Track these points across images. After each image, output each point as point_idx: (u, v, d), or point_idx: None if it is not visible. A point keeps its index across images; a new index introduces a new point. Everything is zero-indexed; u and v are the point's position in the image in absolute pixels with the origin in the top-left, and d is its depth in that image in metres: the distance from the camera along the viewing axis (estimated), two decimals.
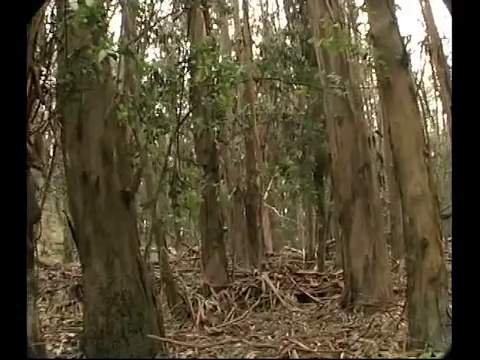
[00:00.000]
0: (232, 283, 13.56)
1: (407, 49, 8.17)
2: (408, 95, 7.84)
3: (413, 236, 7.64)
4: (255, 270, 14.47)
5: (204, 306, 11.96)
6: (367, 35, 8.10)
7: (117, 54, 6.71)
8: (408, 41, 8.26)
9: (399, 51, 7.76)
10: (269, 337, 9.97)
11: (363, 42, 8.52)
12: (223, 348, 8.92)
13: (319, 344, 8.79)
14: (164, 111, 9.88)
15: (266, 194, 21.73)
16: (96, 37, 6.77)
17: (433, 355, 7.05)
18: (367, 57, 7.76)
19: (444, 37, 24.19)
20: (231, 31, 20.78)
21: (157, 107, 9.42)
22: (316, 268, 17.10)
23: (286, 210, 30.72)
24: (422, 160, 7.71)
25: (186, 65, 9.20)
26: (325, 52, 11.42)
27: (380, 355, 7.91)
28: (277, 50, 14.25)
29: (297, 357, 7.80)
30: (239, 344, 9.04)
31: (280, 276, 14.31)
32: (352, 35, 10.56)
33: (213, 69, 8.74)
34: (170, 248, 23.66)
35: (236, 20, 19.52)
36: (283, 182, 19.10)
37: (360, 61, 11.76)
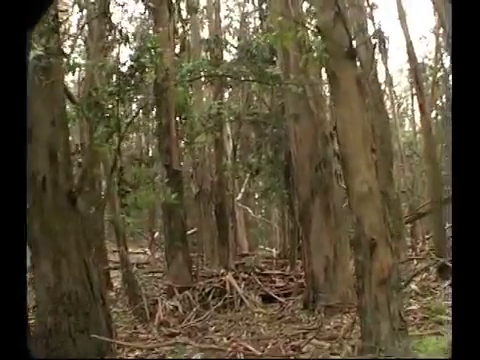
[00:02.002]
0: (196, 284, 13.37)
1: (354, 42, 7.92)
2: (354, 88, 7.50)
3: (360, 236, 7.35)
4: (222, 270, 14.25)
5: (165, 307, 11.80)
6: (315, 28, 7.83)
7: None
8: (356, 33, 8.02)
9: (345, 43, 7.51)
10: (224, 339, 9.81)
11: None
12: (173, 349, 8.82)
13: (270, 346, 8.65)
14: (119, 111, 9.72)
15: (241, 194, 21.65)
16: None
17: None
18: (312, 50, 7.52)
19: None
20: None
21: (107, 107, 9.29)
22: (289, 268, 16.97)
23: (263, 210, 30.61)
24: (369, 156, 7.41)
25: (134, 64, 9.00)
26: (285, 50, 11.20)
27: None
28: (243, 49, 14.11)
29: None
30: (189, 345, 8.87)
31: (246, 276, 14.07)
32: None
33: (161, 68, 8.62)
34: (146, 249, 23.61)
35: (210, 20, 19.35)
36: (253, 182, 18.95)
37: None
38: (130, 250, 23.68)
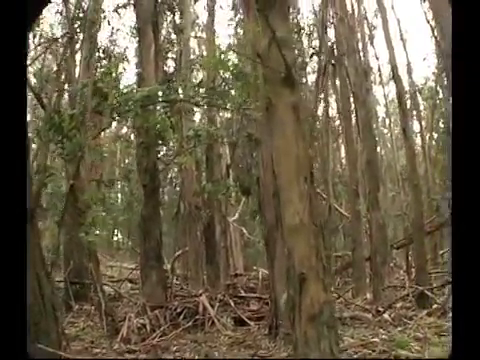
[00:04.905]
0: (170, 303, 13.38)
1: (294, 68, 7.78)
2: (291, 116, 7.29)
3: (290, 269, 7.19)
4: (200, 291, 14.26)
5: (131, 324, 11.85)
6: (257, 55, 7.74)
7: None
8: (297, 59, 7.89)
9: (282, 69, 7.40)
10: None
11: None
12: None
13: None
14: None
15: (237, 214, 21.69)
16: None
17: None
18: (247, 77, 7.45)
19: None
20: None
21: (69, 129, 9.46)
22: None
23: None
24: (302, 187, 7.21)
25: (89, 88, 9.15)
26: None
27: None
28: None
29: None
30: None
31: (221, 298, 14.04)
32: None
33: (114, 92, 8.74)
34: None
35: (209, 38, 19.34)
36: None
37: None
38: (125, 265, 24.12)
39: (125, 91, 9.19)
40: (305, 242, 7.13)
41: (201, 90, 10.67)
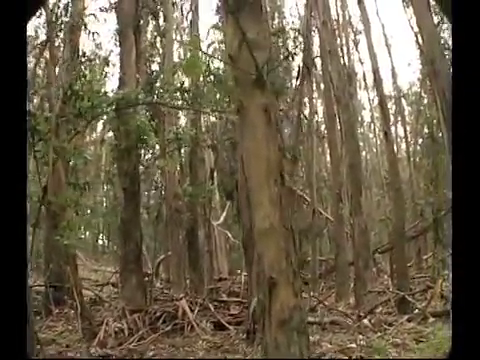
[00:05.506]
0: (149, 307, 13.27)
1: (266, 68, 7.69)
2: (261, 118, 7.11)
3: (260, 273, 7.10)
4: (181, 295, 14.17)
5: (108, 328, 11.77)
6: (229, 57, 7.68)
7: None
8: (268, 60, 7.79)
9: (253, 71, 7.32)
10: None
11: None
12: None
13: None
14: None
15: (222, 218, 21.64)
16: None
17: None
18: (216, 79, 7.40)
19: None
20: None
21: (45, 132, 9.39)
22: None
23: None
24: (273, 190, 7.13)
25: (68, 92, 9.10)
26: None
27: None
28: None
29: None
30: None
31: (201, 302, 13.95)
32: None
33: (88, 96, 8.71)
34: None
35: (192, 41, 19.30)
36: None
37: None
38: (109, 269, 23.98)
39: (100, 94, 9.10)
40: (275, 246, 6.99)
41: (178, 93, 10.63)
